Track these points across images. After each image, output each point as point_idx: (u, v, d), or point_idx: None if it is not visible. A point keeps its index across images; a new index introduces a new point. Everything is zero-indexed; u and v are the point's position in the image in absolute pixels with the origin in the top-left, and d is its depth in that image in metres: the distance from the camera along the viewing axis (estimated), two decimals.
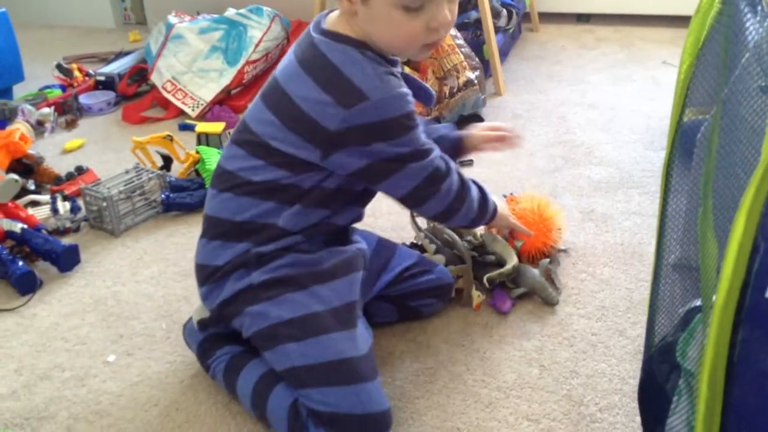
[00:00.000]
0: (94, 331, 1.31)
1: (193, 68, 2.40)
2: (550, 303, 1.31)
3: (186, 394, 1.15)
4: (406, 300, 1.25)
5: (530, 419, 1.08)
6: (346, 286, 1.06)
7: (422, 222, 1.44)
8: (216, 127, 1.93)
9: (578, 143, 1.96)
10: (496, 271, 1.31)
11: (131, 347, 1.26)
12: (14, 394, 1.16)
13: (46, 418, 1.11)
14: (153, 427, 1.09)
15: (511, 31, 2.65)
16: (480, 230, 1.41)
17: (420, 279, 1.25)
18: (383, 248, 1.23)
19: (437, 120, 2.09)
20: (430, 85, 2.19)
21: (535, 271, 1.33)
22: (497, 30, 2.50)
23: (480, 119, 2.11)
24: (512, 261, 1.33)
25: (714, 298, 0.59)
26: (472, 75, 2.12)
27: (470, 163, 1.88)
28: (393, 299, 1.24)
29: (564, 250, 1.46)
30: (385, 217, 1.65)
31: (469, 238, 1.41)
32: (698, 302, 0.83)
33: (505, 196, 1.51)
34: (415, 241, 1.46)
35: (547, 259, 1.37)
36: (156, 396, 1.15)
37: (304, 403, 0.99)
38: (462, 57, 2.15)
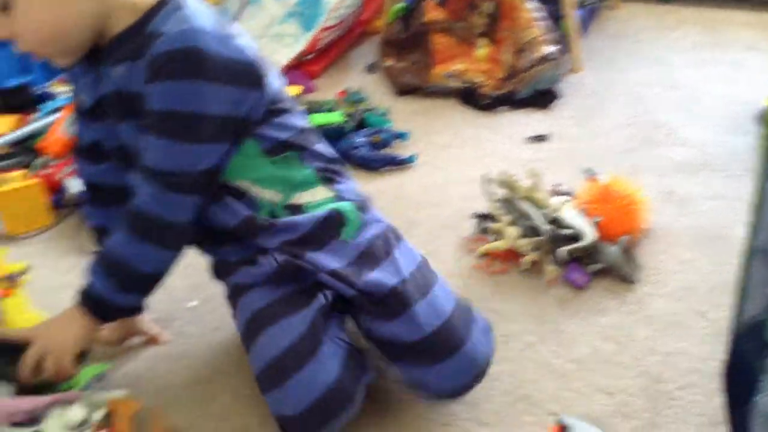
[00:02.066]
0: (177, 278, 1.34)
1: (269, 33, 2.42)
2: (627, 281, 1.29)
3: None
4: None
5: (605, 392, 1.07)
6: None
7: (496, 191, 1.43)
8: (292, 90, 1.95)
9: (659, 123, 1.91)
10: (573, 245, 1.30)
11: (210, 295, 1.29)
12: None
13: (130, 355, 1.16)
14: (230, 371, 1.12)
15: (591, 6, 2.59)
16: (558, 202, 1.39)
17: None
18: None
19: (511, 94, 2.07)
20: (506, 58, 2.17)
21: (614, 248, 1.31)
22: (578, 5, 2.44)
23: (555, 95, 2.08)
24: (591, 236, 1.31)
25: None
26: (549, 49, 2.08)
27: (545, 138, 1.86)
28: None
29: (644, 230, 1.44)
30: (455, 188, 1.65)
31: (545, 211, 1.40)
32: None
33: (588, 175, 1.48)
34: (487, 212, 1.45)
35: (627, 237, 1.34)
36: (234, 342, 1.18)
37: None
38: (540, 31, 2.11)
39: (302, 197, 1.03)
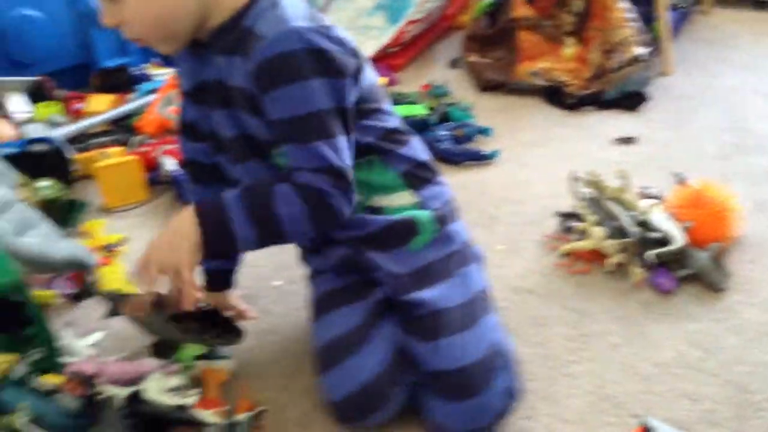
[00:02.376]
0: (263, 258, 1.38)
1: (356, 25, 2.45)
2: (716, 288, 1.26)
3: None
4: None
5: (691, 398, 1.05)
6: None
7: (583, 190, 1.42)
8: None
9: (750, 131, 1.85)
10: (662, 249, 1.28)
11: (295, 276, 1.32)
12: None
13: None
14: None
15: (685, 9, 2.53)
16: (647, 205, 1.37)
17: None
18: None
19: (598, 94, 2.04)
20: (594, 58, 2.13)
21: (703, 255, 1.29)
22: (671, 7, 2.38)
23: (643, 98, 2.04)
24: (680, 240, 1.29)
25: None
26: (640, 51, 2.05)
27: (633, 140, 1.83)
28: None
29: (734, 238, 1.40)
30: (538, 185, 1.64)
31: (634, 213, 1.38)
32: None
33: (678, 180, 1.46)
34: (573, 211, 1.44)
35: (717, 244, 1.31)
36: None
37: None
38: (631, 31, 2.07)
39: (382, 200, 1.02)
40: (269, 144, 0.96)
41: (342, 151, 0.90)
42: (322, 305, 1.06)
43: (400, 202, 1.03)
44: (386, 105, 1.04)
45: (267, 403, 1.05)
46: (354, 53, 0.94)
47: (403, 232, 1.02)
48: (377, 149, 1.00)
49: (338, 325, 1.01)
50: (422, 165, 1.06)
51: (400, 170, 1.03)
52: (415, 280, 1.01)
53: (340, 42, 0.91)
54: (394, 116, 1.05)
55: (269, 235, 0.92)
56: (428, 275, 1.02)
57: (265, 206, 0.90)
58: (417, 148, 1.07)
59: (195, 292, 0.91)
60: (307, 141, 0.89)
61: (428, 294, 1.00)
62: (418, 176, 1.04)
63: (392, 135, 1.03)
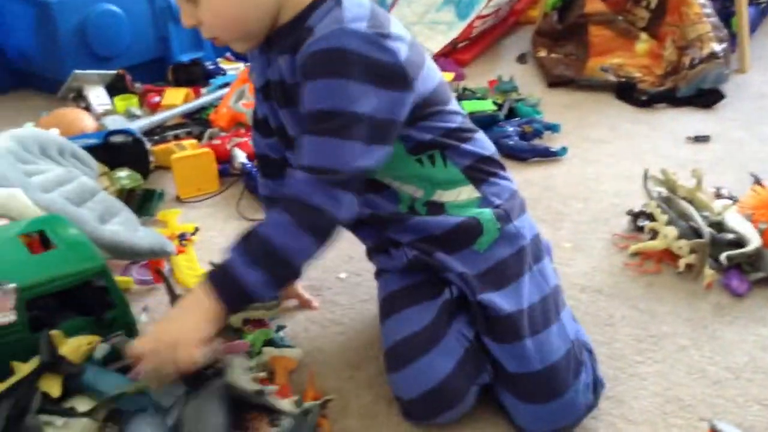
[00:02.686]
0: (329, 249, 1.40)
1: (425, 20, 2.46)
2: None
3: None
4: None
5: (762, 404, 1.03)
6: None
7: (656, 188, 1.39)
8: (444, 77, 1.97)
9: None
10: (736, 251, 1.25)
11: (360, 268, 1.34)
12: None
13: (286, 317, 1.23)
14: (376, 343, 1.16)
15: (763, 5, 2.44)
16: (721, 206, 1.34)
17: None
18: None
19: (671, 91, 1.99)
20: (669, 54, 2.09)
21: None
22: (750, 2, 2.31)
23: (720, 96, 1.98)
24: (755, 242, 1.25)
25: None
26: (717, 47, 1.99)
27: (707, 139, 1.78)
28: None
29: None
30: (606, 183, 1.62)
31: (707, 213, 1.35)
32: None
33: (754, 180, 1.42)
34: (644, 209, 1.42)
35: None
36: None
37: None
38: (709, 27, 2.02)
39: (444, 195, 1.01)
40: None
41: (353, 157, 0.88)
42: (392, 304, 1.05)
43: (461, 197, 1.02)
44: (451, 105, 1.02)
45: (332, 393, 1.07)
46: (403, 66, 0.90)
47: (466, 233, 1.01)
48: (439, 145, 1.00)
49: (409, 324, 1.01)
50: (485, 159, 1.04)
51: (462, 165, 1.01)
52: (488, 281, 1.00)
53: (390, 53, 0.89)
54: (459, 114, 1.03)
55: (277, 266, 0.89)
56: (500, 275, 1.00)
57: (258, 243, 0.89)
58: (481, 143, 1.05)
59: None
60: (320, 134, 0.88)
61: (504, 296, 0.98)
62: (481, 170, 1.03)
63: (455, 133, 1.01)
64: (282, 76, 0.97)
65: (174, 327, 0.89)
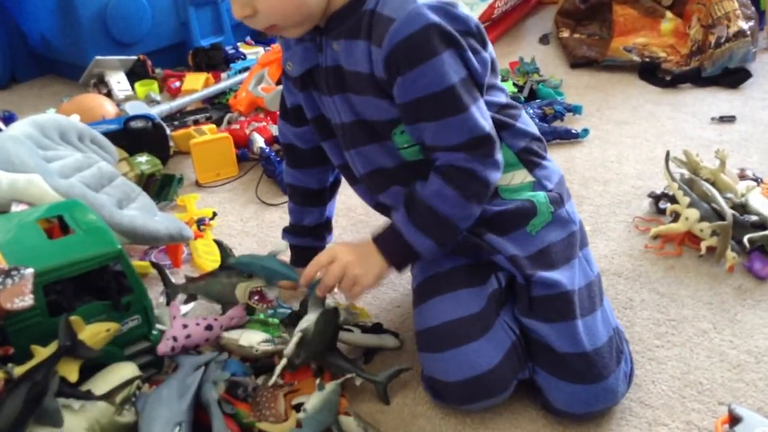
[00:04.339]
0: (345, 233, 1.41)
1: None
2: None
3: None
4: None
5: None
6: None
7: (678, 169, 1.37)
8: None
9: None
10: (759, 233, 1.22)
11: None
12: None
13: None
14: (396, 324, 1.17)
15: None
16: (745, 188, 1.31)
17: None
18: None
19: (697, 71, 1.95)
20: (694, 33, 2.04)
21: None
22: None
23: (747, 74, 1.94)
24: None
25: None
26: (745, 25, 1.95)
27: (732, 119, 1.74)
28: None
29: None
30: (628, 165, 1.59)
31: (730, 195, 1.32)
32: None
33: None
34: (666, 191, 1.39)
35: None
36: None
37: None
38: (736, 4, 1.97)
39: (501, 179, 1.00)
40: (387, 127, 0.97)
41: (477, 119, 0.92)
42: (435, 285, 1.02)
43: (515, 181, 1.02)
44: (498, 80, 1.03)
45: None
46: (480, 27, 0.94)
47: (520, 214, 1.00)
48: (497, 123, 0.99)
49: (456, 307, 0.98)
50: (537, 139, 1.06)
51: (516, 147, 1.02)
52: (537, 263, 0.99)
53: (466, 20, 0.91)
54: (505, 90, 1.05)
55: (446, 235, 0.98)
56: (550, 258, 1.00)
57: (429, 214, 0.96)
58: (528, 121, 1.06)
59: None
60: (442, 117, 0.92)
61: (554, 275, 0.98)
62: (533, 152, 1.04)
63: (505, 110, 1.02)
64: (337, 62, 0.97)
65: (364, 264, 0.98)
